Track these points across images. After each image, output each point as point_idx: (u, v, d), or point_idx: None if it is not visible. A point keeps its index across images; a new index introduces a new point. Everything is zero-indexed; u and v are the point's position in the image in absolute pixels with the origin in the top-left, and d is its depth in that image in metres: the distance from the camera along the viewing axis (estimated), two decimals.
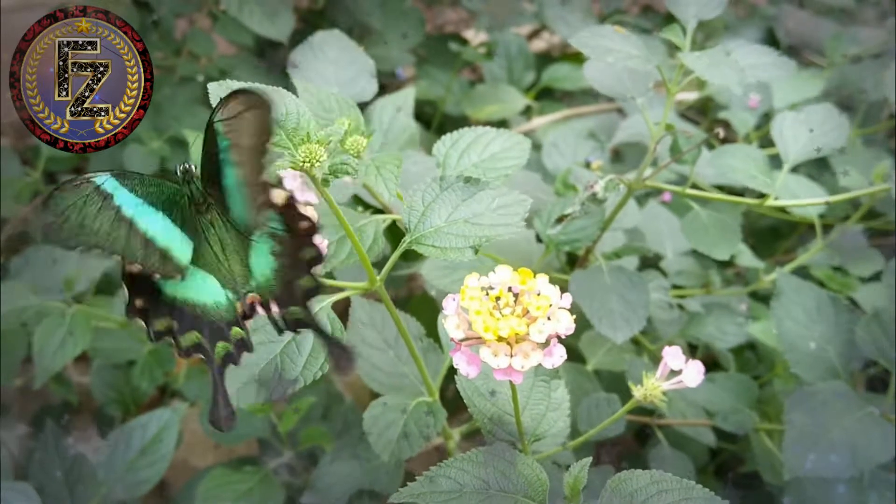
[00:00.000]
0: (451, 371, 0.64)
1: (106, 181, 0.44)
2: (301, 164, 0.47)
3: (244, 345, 0.45)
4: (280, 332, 0.46)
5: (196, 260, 0.46)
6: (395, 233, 0.69)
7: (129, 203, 0.44)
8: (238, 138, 0.43)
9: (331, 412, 0.91)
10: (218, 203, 0.46)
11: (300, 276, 0.46)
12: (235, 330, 0.45)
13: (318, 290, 0.46)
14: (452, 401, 0.72)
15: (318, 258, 0.46)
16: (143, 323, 0.45)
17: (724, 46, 0.70)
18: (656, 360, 0.86)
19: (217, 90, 0.49)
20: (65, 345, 0.82)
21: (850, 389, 0.72)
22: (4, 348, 0.87)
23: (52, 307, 0.84)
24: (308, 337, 0.50)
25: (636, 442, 0.96)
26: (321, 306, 0.50)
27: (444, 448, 0.70)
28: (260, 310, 0.46)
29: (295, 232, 0.46)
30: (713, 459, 0.93)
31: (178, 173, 0.46)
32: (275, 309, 0.46)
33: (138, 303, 0.44)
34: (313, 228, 0.46)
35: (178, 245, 0.45)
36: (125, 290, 0.45)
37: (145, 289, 0.45)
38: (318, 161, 0.47)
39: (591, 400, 0.75)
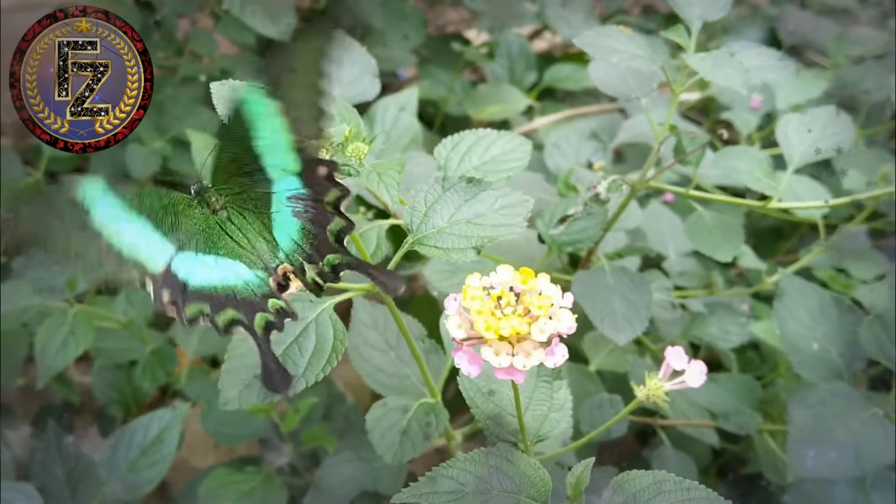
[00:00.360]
0: (453, 372, 0.64)
1: (90, 188, 0.44)
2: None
3: (285, 313, 0.46)
4: (319, 292, 0.46)
5: (217, 251, 0.46)
6: (396, 234, 0.69)
7: (105, 211, 0.44)
8: (292, 80, 0.45)
9: (332, 412, 0.91)
10: (247, 180, 0.47)
11: (328, 222, 0.46)
12: (272, 301, 0.46)
13: (350, 227, 0.46)
14: (454, 402, 0.72)
15: (344, 195, 0.46)
16: (174, 314, 0.44)
17: (728, 48, 0.70)
18: (659, 360, 0.86)
19: (219, 90, 0.49)
20: (67, 345, 0.82)
21: (853, 390, 0.72)
22: (6, 348, 0.87)
23: (54, 307, 0.84)
24: (311, 336, 0.50)
25: (638, 442, 0.95)
26: (325, 307, 0.50)
27: (446, 449, 0.70)
28: (294, 279, 0.46)
29: (315, 178, 0.46)
30: (716, 460, 0.93)
31: (193, 192, 0.47)
32: (310, 271, 0.46)
33: (166, 296, 0.44)
34: (333, 168, 0.46)
35: (149, 252, 0.45)
36: (151, 287, 0.45)
37: (171, 283, 0.45)
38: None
39: (593, 401, 0.75)
